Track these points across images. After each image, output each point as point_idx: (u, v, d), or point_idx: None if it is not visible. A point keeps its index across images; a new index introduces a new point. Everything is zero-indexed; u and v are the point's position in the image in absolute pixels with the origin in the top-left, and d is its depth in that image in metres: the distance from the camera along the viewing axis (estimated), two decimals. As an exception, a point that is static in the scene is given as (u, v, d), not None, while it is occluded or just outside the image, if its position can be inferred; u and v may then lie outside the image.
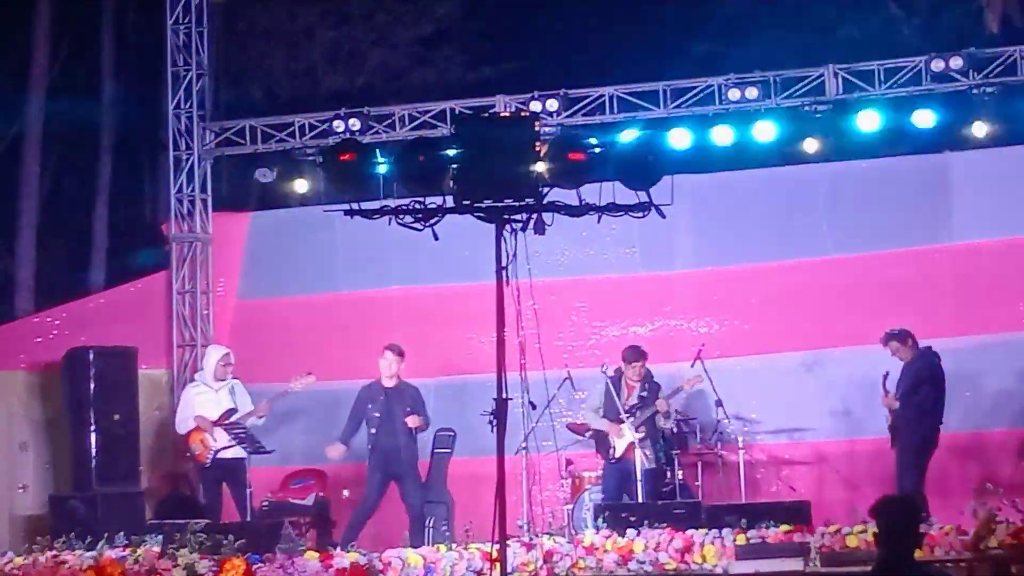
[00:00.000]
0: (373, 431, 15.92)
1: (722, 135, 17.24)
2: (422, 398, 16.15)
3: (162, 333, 18.70)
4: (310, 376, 16.22)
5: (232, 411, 16.24)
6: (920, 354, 15.36)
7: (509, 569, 11.14)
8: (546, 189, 10.99)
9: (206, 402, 16.39)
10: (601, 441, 15.83)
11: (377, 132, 18.13)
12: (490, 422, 10.91)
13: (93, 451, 16.55)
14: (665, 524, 13.95)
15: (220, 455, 16.12)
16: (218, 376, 16.42)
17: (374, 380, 16.12)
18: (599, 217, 11.12)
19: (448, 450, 17.05)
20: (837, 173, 17.57)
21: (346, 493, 17.33)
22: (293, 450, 17.55)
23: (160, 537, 13.93)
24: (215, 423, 16.19)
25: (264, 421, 16.38)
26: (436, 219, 11.02)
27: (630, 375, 15.70)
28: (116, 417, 16.78)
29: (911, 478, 14.96)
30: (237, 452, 16.03)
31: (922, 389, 15.22)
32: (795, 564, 12.82)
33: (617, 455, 15.61)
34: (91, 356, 16.75)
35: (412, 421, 15.86)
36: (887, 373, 15.36)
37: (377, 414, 15.93)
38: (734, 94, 17.27)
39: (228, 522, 15.28)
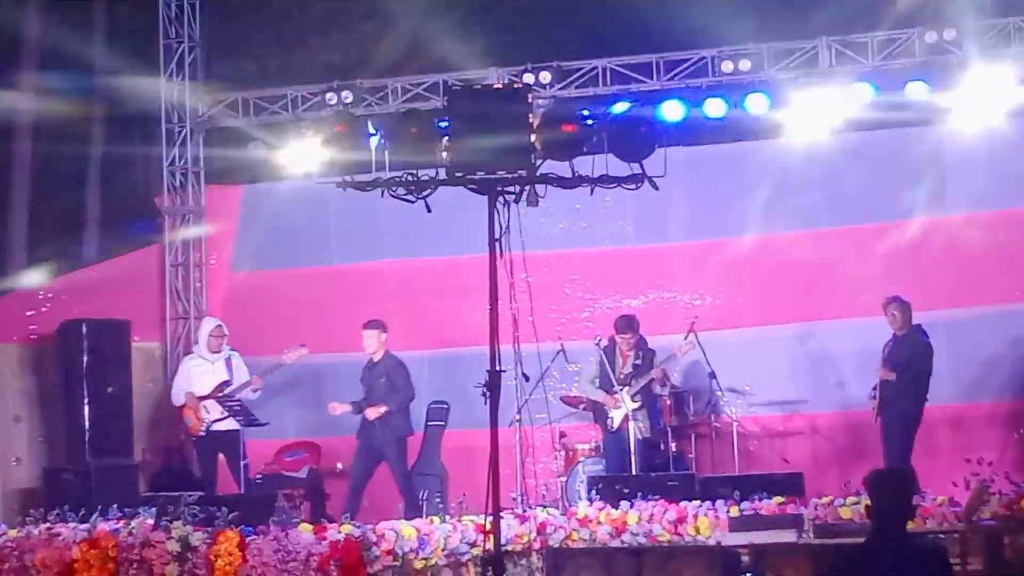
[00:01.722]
0: (360, 402, 16.04)
1: (715, 107, 17.20)
2: (404, 370, 16.13)
3: (155, 306, 18.70)
4: (303, 348, 16.23)
5: (226, 383, 16.26)
6: (914, 329, 15.37)
7: (503, 541, 11.14)
8: (539, 161, 10.98)
9: (202, 374, 16.43)
10: (599, 412, 15.85)
11: (370, 104, 18.10)
12: (483, 394, 10.91)
13: (87, 424, 16.56)
14: (659, 496, 14.00)
15: (214, 427, 16.14)
16: (212, 348, 16.44)
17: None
18: (592, 189, 11.10)
19: (442, 422, 17.08)
20: (830, 145, 17.53)
21: (340, 466, 17.36)
22: (286, 422, 17.57)
23: (154, 509, 13.92)
24: (208, 396, 16.21)
25: (260, 394, 16.40)
26: (429, 191, 11.00)
27: (623, 344, 15.72)
28: (110, 390, 16.78)
29: (899, 451, 14.98)
30: (231, 424, 16.05)
31: (916, 363, 15.23)
32: (788, 536, 12.84)
33: (615, 426, 15.63)
34: (84, 329, 16.74)
35: (370, 413, 15.86)
36: (889, 341, 15.38)
37: (363, 387, 16.05)
38: (727, 66, 17.24)
39: (222, 494, 15.29)
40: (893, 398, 15.16)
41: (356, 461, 16.02)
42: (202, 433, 16.23)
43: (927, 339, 15.32)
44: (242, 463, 15.83)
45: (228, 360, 16.45)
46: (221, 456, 16.31)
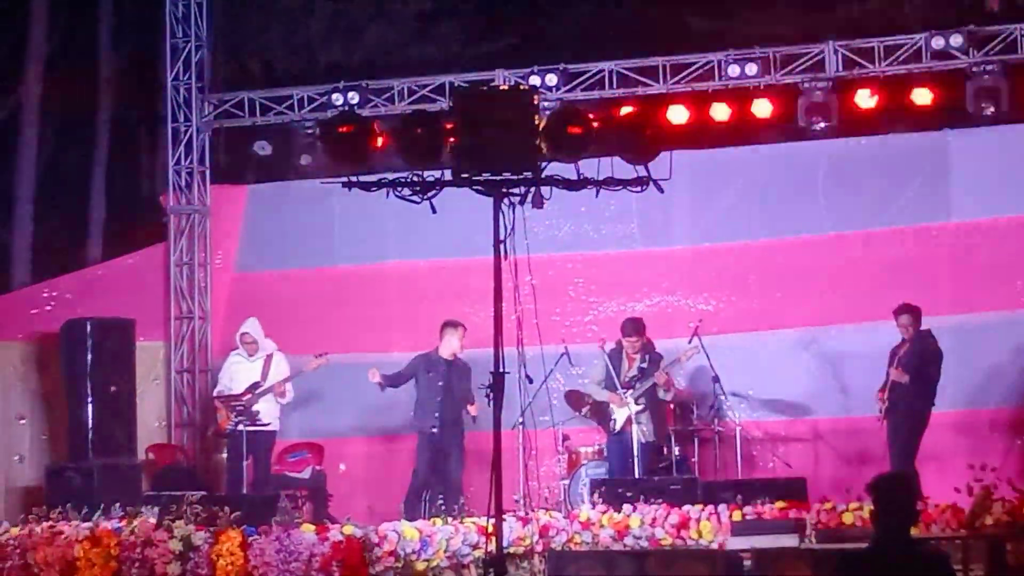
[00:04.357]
0: (439, 399, 15.80)
1: (721, 111, 17.21)
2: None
3: (160, 305, 18.72)
4: (323, 357, 16.26)
5: (256, 385, 16.31)
6: (925, 334, 15.37)
7: (505, 544, 11.13)
8: (544, 163, 10.97)
9: (239, 371, 16.58)
10: (602, 414, 15.82)
11: (376, 106, 18.11)
12: (487, 396, 10.89)
13: (90, 422, 16.54)
14: (661, 500, 13.98)
15: (242, 427, 16.14)
16: (247, 352, 16.51)
17: (431, 350, 16.05)
18: (597, 191, 11.08)
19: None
20: (836, 150, 17.54)
21: (342, 467, 17.36)
22: (289, 423, 17.54)
23: (156, 508, 13.93)
24: (229, 397, 16.25)
25: (290, 398, 16.46)
26: (434, 192, 10.98)
27: (629, 348, 15.70)
28: (113, 389, 16.76)
29: (905, 454, 14.98)
30: (262, 421, 16.12)
31: (926, 368, 15.23)
32: (790, 540, 12.83)
33: (618, 427, 15.60)
34: (89, 328, 16.73)
35: (473, 409, 15.69)
36: (900, 344, 15.37)
37: (441, 383, 15.83)
38: (734, 70, 17.25)
39: (223, 494, 15.29)
40: (902, 401, 15.16)
41: (423, 462, 15.84)
42: (229, 429, 16.25)
43: (937, 345, 15.32)
44: (268, 462, 16.05)
45: (268, 358, 16.49)
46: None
